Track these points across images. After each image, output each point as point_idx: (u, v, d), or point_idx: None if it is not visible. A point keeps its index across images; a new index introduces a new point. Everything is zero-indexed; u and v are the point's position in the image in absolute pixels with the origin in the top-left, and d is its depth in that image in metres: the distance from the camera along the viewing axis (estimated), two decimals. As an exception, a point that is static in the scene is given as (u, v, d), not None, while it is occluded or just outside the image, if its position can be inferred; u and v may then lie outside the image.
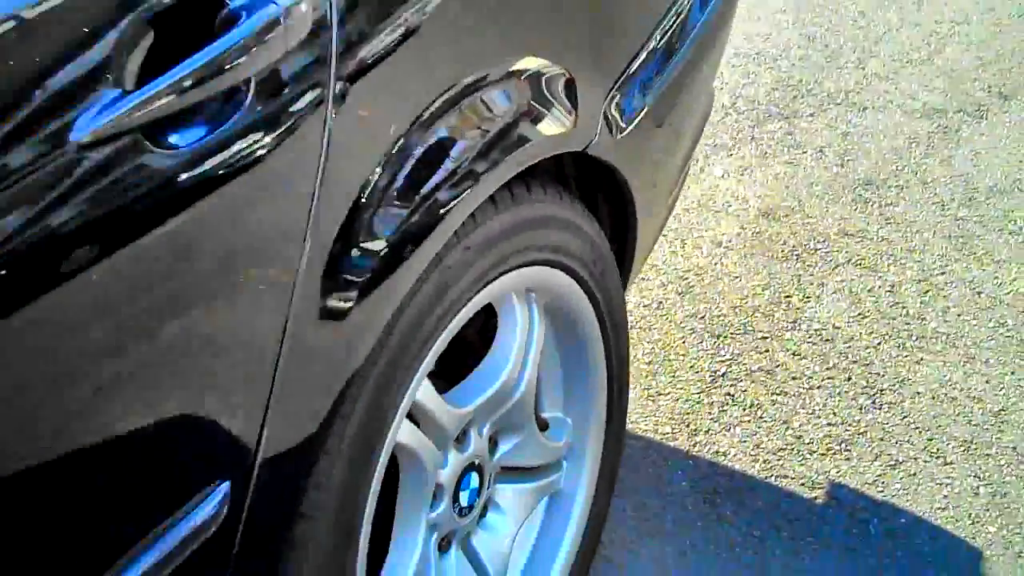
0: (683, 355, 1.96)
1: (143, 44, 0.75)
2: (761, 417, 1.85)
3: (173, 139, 0.79)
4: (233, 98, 0.81)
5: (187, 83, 0.77)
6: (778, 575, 1.60)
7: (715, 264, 2.18)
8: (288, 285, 0.89)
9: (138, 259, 0.77)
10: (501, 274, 1.17)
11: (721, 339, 2.00)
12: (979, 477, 1.76)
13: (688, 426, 1.84)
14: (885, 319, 2.06)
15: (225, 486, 0.91)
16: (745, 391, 1.90)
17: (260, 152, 0.83)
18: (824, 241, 2.25)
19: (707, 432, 1.83)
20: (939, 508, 1.72)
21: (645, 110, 1.29)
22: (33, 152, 0.72)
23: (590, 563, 1.45)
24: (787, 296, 2.11)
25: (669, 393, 1.89)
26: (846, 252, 2.23)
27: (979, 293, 2.13)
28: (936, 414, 1.87)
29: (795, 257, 2.21)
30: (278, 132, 0.84)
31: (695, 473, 1.75)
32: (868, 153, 2.53)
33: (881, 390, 1.91)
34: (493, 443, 1.31)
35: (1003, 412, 1.88)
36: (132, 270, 0.77)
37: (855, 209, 2.35)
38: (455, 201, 1.04)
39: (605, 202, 1.31)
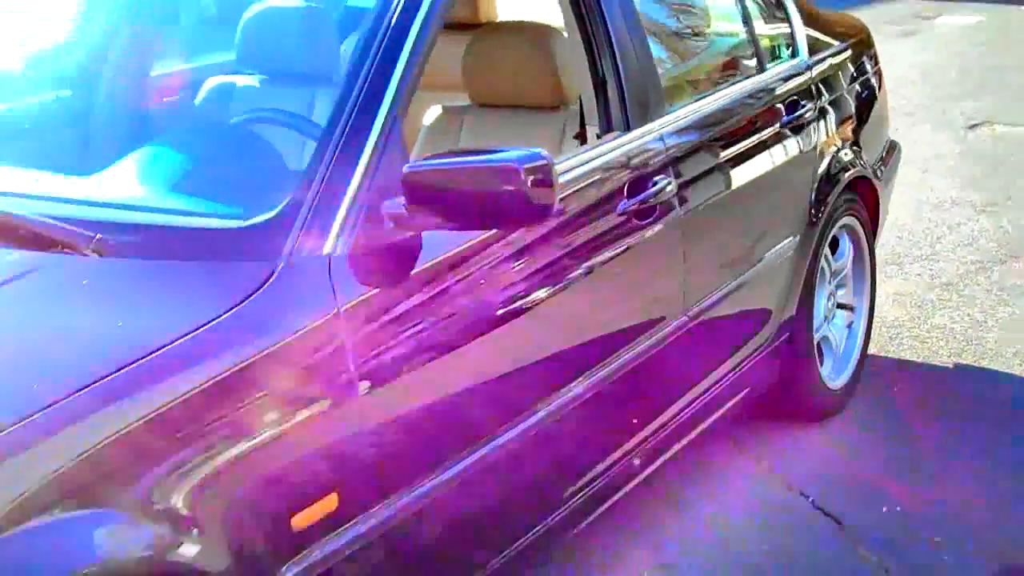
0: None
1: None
2: (948, 329, 4.24)
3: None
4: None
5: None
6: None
7: (882, 308, 4.60)
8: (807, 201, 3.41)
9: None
10: (844, 214, 3.64)
11: (907, 315, 4.41)
12: None
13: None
14: (973, 313, 4.46)
15: (795, 239, 3.36)
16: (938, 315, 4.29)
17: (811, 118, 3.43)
18: (929, 301, 4.68)
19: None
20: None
21: (883, 174, 3.82)
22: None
23: (866, 350, 3.83)
24: (928, 315, 4.52)
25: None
26: (944, 303, 4.65)
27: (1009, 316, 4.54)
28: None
29: (920, 306, 4.64)
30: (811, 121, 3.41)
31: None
32: (946, 273, 4.99)
33: (993, 311, 4.29)
34: (835, 290, 3.74)
35: (1028, 346, 4.27)
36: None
37: (943, 293, 4.79)
38: (841, 182, 3.54)
39: (862, 200, 3.79)
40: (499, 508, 2.44)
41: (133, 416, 1.71)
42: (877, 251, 4.43)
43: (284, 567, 1.89)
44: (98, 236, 2.01)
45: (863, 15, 4.99)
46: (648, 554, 3.10)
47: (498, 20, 3.82)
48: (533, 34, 3.15)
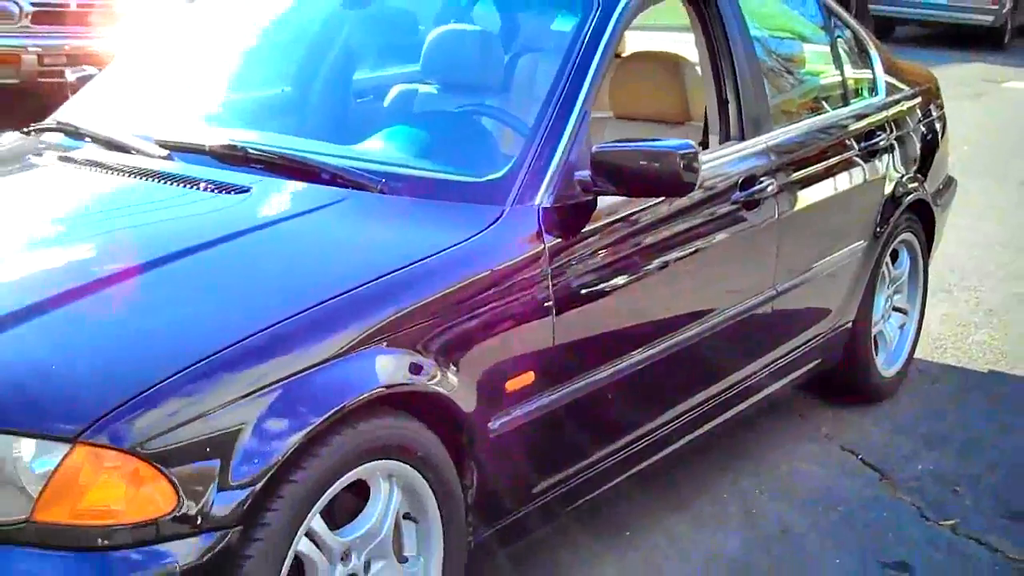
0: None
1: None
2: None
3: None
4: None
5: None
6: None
7: (930, 325, 5.45)
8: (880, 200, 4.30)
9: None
10: (904, 231, 4.53)
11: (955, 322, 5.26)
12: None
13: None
14: (1011, 333, 5.28)
15: (863, 243, 4.24)
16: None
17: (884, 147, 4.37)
18: (973, 323, 5.52)
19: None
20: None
21: (940, 202, 4.71)
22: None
23: (914, 351, 4.70)
24: (970, 333, 5.36)
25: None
26: (986, 324, 5.48)
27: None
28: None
29: (964, 325, 5.47)
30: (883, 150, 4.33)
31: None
32: (990, 302, 5.82)
33: None
34: (892, 294, 4.61)
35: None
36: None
37: (986, 317, 5.62)
38: (903, 204, 4.42)
39: (921, 221, 4.67)
40: (635, 406, 3.34)
41: (416, 296, 2.62)
42: (930, 280, 5.22)
43: (497, 414, 2.78)
44: (383, 180, 2.93)
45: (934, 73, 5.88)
46: (727, 482, 3.96)
47: (627, 53, 4.72)
48: (668, 63, 4.07)
